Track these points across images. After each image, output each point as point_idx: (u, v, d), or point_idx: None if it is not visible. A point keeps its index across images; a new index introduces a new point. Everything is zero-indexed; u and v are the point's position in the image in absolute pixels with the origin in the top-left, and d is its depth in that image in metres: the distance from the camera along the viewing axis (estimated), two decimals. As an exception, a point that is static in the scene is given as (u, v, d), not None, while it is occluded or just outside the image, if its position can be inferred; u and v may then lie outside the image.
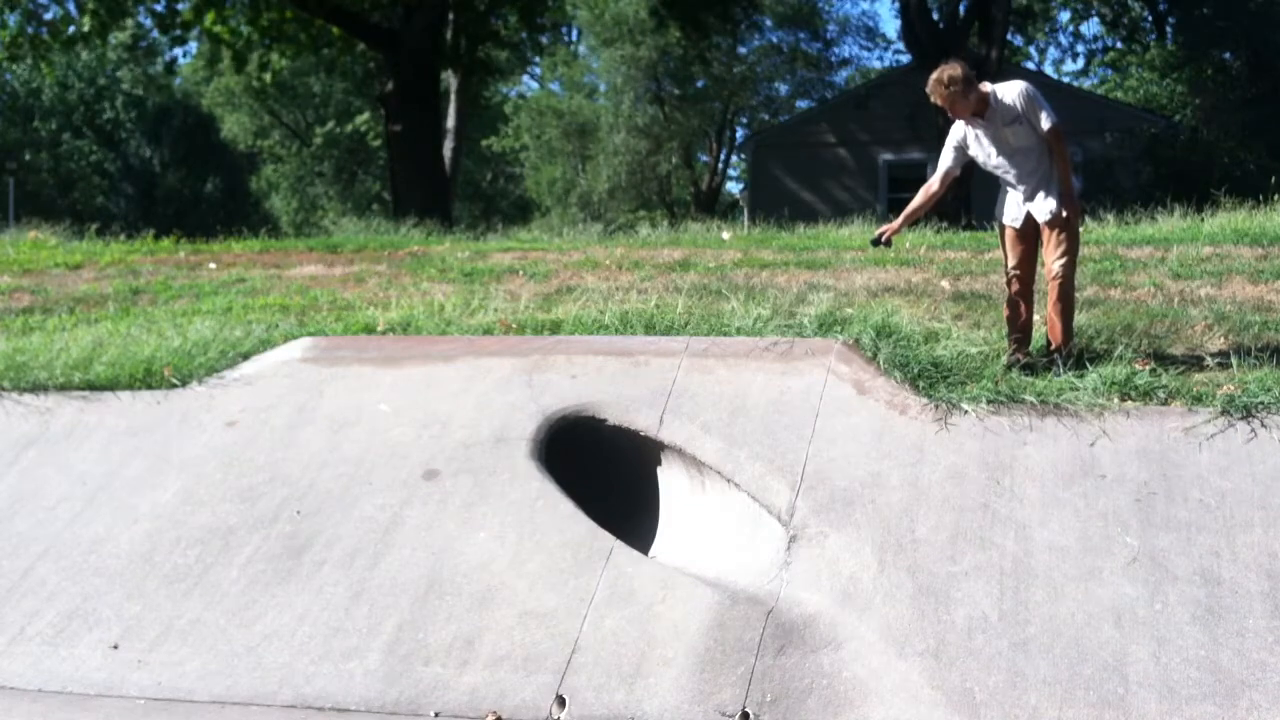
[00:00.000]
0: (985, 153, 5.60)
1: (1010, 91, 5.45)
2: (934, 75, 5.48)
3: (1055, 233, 5.51)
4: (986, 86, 5.53)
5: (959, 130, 5.65)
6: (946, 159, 5.70)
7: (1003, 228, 5.76)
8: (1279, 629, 4.03)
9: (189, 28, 20.53)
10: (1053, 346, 5.65)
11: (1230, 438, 4.82)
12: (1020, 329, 5.74)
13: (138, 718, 4.30)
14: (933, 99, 5.48)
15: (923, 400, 5.31)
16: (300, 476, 5.45)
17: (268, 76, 24.16)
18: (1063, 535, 4.51)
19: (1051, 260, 5.54)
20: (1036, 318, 5.92)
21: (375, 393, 5.95)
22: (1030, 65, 32.34)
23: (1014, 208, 5.64)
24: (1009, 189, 5.66)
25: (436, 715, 4.23)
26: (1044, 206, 5.52)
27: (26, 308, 8.53)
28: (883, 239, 5.85)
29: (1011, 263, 5.71)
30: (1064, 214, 5.47)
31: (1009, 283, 5.76)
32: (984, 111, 5.50)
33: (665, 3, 23.95)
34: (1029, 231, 5.62)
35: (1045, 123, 5.41)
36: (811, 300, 6.97)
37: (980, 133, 5.57)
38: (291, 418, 5.86)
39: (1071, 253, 5.57)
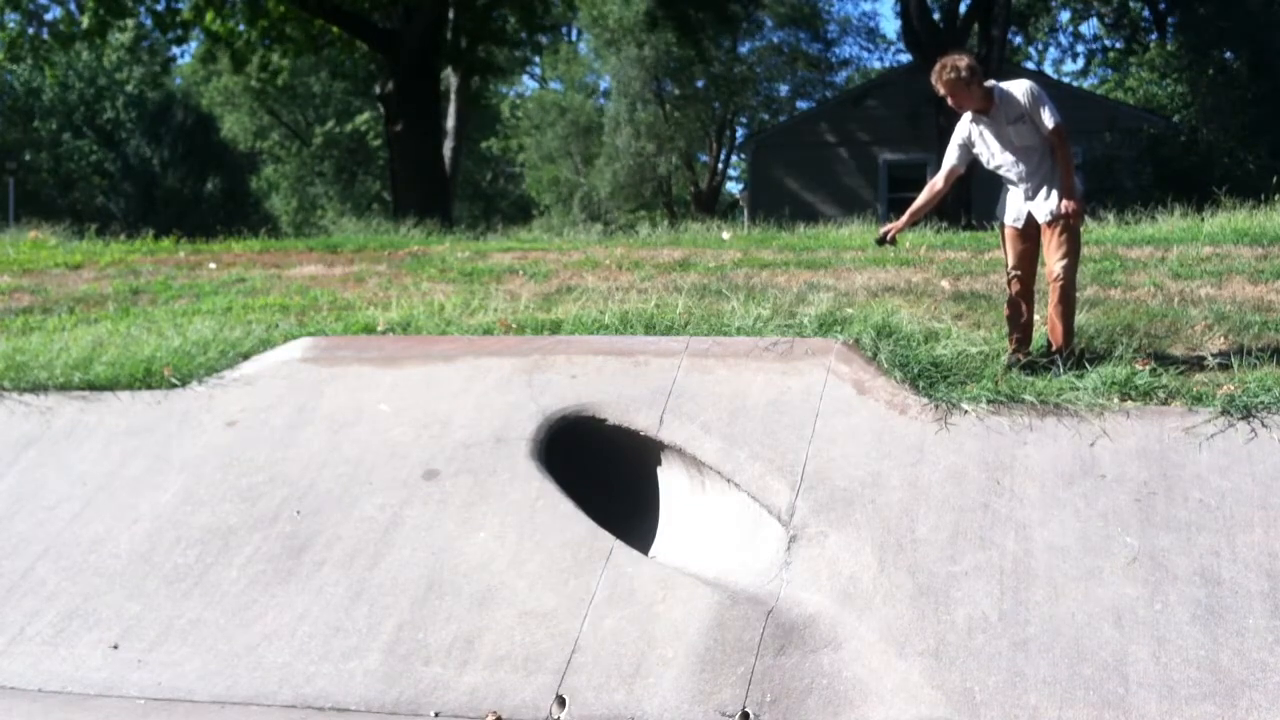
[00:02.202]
0: (989, 151, 5.60)
1: (1015, 89, 5.44)
2: (939, 63, 5.47)
3: (1056, 233, 5.50)
4: (991, 83, 5.53)
5: (964, 127, 5.64)
6: (951, 156, 5.69)
7: (1004, 227, 5.75)
8: (1279, 629, 4.03)
9: (189, 27, 20.53)
10: (1053, 347, 5.64)
11: (1230, 438, 4.82)
12: (1021, 329, 5.74)
13: (138, 718, 4.30)
14: (937, 87, 5.46)
15: (923, 400, 5.31)
16: (300, 476, 5.45)
17: (278, 80, 24.18)
18: (1063, 535, 4.51)
19: (1053, 261, 5.53)
20: (1036, 318, 5.92)
21: (375, 393, 5.95)
22: (1030, 65, 32.35)
23: (1015, 207, 5.64)
24: (1010, 188, 5.65)
25: (436, 715, 4.23)
26: (1045, 206, 5.51)
27: (26, 308, 8.53)
28: (887, 237, 5.86)
29: (1012, 263, 5.71)
30: (1066, 214, 5.46)
31: (1009, 283, 5.75)
32: (988, 109, 5.50)
33: (661, 3, 23.96)
34: (1030, 231, 5.62)
35: (1048, 122, 5.39)
36: (811, 300, 6.97)
37: (984, 130, 5.57)
38: (291, 418, 5.87)
39: (1073, 254, 5.56)
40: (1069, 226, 5.49)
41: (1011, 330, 5.77)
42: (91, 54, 33.37)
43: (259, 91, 31.35)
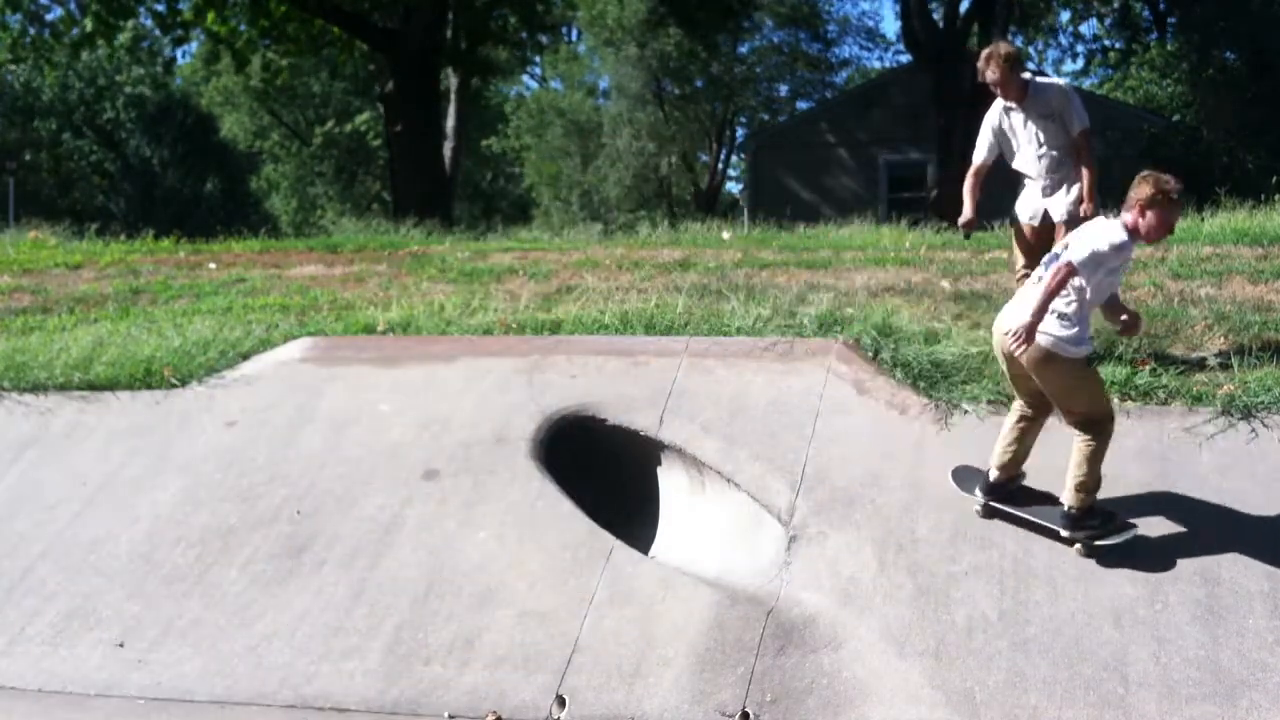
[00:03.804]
0: (1015, 143, 5.58)
1: (1049, 86, 5.50)
2: (990, 50, 5.45)
3: (1066, 234, 5.53)
4: (1027, 76, 5.53)
5: (995, 115, 5.60)
6: (981, 150, 5.65)
7: (1018, 225, 5.72)
8: (1279, 629, 4.03)
9: (190, 28, 20.52)
10: None
11: (1231, 438, 4.82)
12: None
13: (138, 718, 4.30)
14: (987, 72, 5.42)
15: (923, 400, 5.31)
16: (300, 476, 5.45)
17: (279, 80, 24.16)
18: (1063, 535, 4.50)
19: None
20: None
21: (375, 393, 5.95)
22: (1030, 65, 32.26)
23: (1032, 205, 5.61)
24: (1029, 184, 5.63)
25: (438, 715, 4.23)
26: (1062, 205, 5.53)
27: (26, 308, 8.52)
28: (971, 226, 5.69)
29: (1023, 261, 5.64)
30: (1081, 215, 5.50)
31: (1018, 282, 5.70)
32: (1022, 100, 5.50)
33: (664, 1, 23.96)
34: (1044, 231, 5.60)
35: (1077, 124, 5.46)
36: (811, 300, 6.97)
37: (1014, 121, 5.55)
38: (291, 418, 5.87)
39: None
40: (1081, 225, 5.51)
41: None
42: (92, 54, 33.38)
43: (260, 92, 31.34)
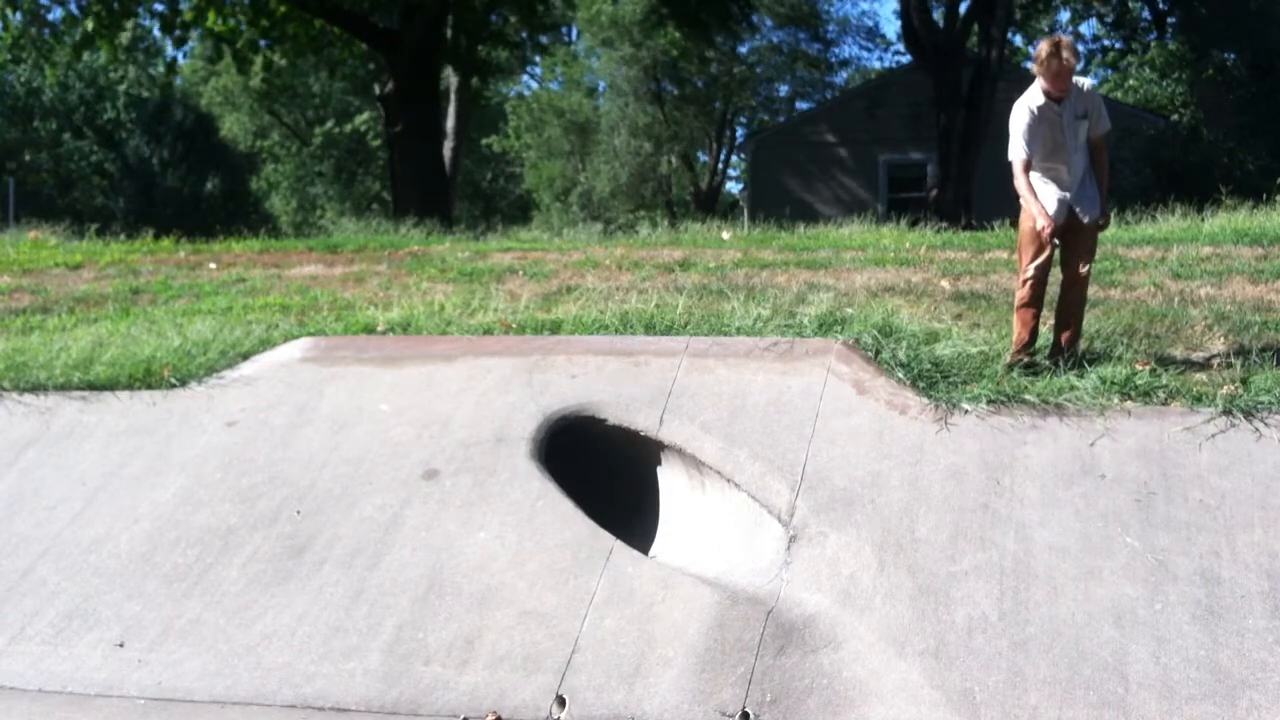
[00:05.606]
0: (1046, 144, 5.52)
1: (1085, 84, 5.51)
2: (1057, 41, 5.34)
3: (1088, 234, 5.61)
4: None
5: (1032, 110, 5.48)
6: (1024, 145, 5.50)
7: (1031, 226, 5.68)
8: (1279, 629, 4.03)
9: (190, 28, 20.52)
10: (1063, 344, 5.66)
11: (1230, 438, 4.81)
12: (1033, 331, 5.70)
13: (138, 718, 4.30)
14: (1053, 63, 5.30)
15: (923, 400, 5.31)
16: (300, 476, 5.45)
17: (278, 81, 24.16)
18: (1063, 535, 4.51)
19: (1080, 260, 5.60)
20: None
21: (375, 393, 5.95)
22: (1030, 65, 32.26)
23: (1058, 204, 5.57)
24: (1050, 184, 5.58)
25: (438, 715, 4.23)
26: (1090, 206, 5.56)
27: (26, 308, 8.52)
28: (1054, 237, 5.56)
29: (1039, 261, 5.58)
30: (1101, 219, 5.62)
31: (1027, 282, 5.64)
32: (1064, 97, 5.48)
33: (664, 1, 23.98)
34: (1065, 229, 5.58)
35: (1105, 124, 5.52)
36: (811, 300, 6.97)
37: (1054, 118, 5.48)
38: (291, 418, 5.87)
39: (1093, 255, 5.72)
40: (1097, 230, 5.65)
41: (1021, 330, 5.69)
42: (93, 55, 33.38)
43: (264, 93, 31.34)
